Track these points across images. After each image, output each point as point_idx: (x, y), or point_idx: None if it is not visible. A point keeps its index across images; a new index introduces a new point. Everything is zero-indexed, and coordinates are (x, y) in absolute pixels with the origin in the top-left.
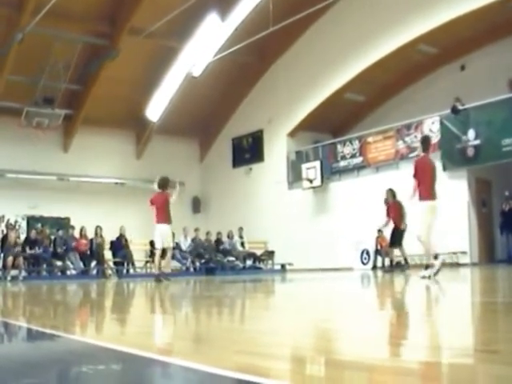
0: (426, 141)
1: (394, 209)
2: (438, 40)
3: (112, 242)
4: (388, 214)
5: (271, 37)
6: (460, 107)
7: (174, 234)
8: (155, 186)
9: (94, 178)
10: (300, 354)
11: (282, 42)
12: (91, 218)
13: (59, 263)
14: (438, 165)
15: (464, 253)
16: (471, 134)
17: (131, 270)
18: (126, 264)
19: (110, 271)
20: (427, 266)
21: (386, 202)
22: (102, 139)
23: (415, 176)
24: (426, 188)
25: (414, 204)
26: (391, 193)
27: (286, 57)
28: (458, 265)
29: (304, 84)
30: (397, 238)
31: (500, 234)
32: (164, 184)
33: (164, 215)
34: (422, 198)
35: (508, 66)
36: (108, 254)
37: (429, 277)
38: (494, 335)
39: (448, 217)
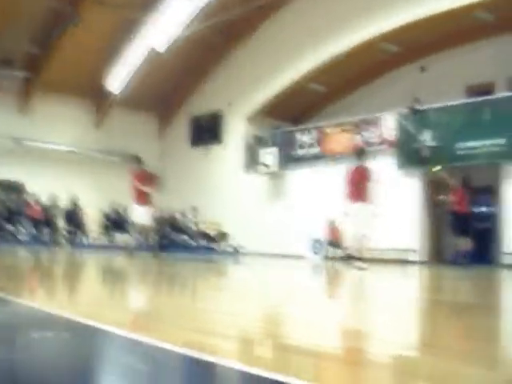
0: (360, 153)
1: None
2: (400, 39)
3: (66, 211)
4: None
5: (238, 19)
6: (418, 107)
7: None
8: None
9: (51, 144)
10: (247, 335)
11: (247, 26)
12: (46, 185)
13: (11, 227)
14: (394, 163)
15: (414, 251)
16: (427, 135)
17: (84, 240)
18: (78, 233)
19: (62, 239)
20: (360, 258)
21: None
22: (62, 106)
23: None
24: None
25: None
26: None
27: (250, 40)
28: (406, 262)
29: (267, 69)
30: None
31: (449, 235)
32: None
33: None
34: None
35: (466, 72)
36: (61, 222)
37: (364, 268)
38: (436, 331)
39: (400, 214)
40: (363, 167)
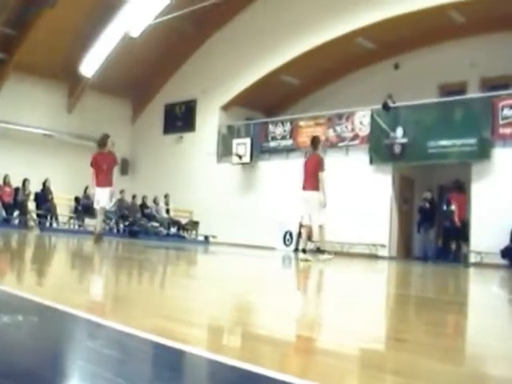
0: (314, 141)
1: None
2: (375, 36)
3: (36, 194)
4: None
5: (213, 8)
6: (391, 104)
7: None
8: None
9: (23, 126)
10: (216, 323)
11: (223, 15)
12: (16, 167)
13: None
14: (366, 158)
15: (383, 246)
16: (399, 131)
17: (54, 224)
18: (49, 217)
19: (32, 223)
20: (321, 250)
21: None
22: (34, 88)
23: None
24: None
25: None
26: None
27: (226, 30)
28: (376, 257)
29: (241, 60)
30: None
31: (417, 232)
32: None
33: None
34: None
35: (439, 71)
36: (32, 206)
37: (329, 259)
38: (404, 325)
39: (371, 209)
40: (317, 156)
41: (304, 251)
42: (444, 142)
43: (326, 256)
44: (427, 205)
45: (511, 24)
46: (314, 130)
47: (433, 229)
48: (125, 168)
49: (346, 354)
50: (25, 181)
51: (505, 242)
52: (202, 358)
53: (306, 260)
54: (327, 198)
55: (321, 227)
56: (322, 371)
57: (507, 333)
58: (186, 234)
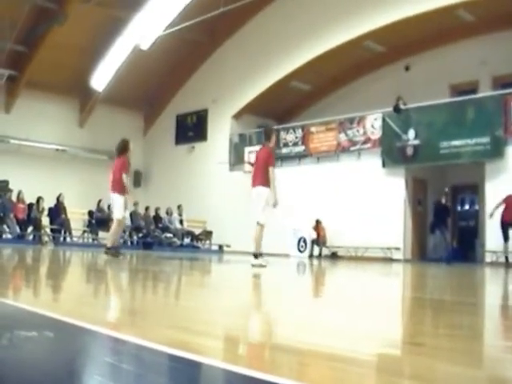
0: (267, 132)
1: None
2: (385, 39)
3: (50, 209)
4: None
5: (222, 17)
6: (402, 106)
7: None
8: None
9: (36, 142)
10: (232, 334)
11: (232, 24)
12: (30, 183)
13: None
14: (378, 161)
15: (398, 249)
16: (411, 133)
17: (68, 239)
18: (62, 232)
19: (46, 238)
20: (255, 254)
21: None
22: (46, 104)
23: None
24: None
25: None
26: None
27: (235, 39)
28: (391, 260)
29: (251, 68)
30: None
31: (430, 233)
32: (123, 147)
33: (114, 183)
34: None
35: (450, 71)
36: (45, 221)
37: (263, 265)
38: (421, 328)
39: (385, 213)
40: (268, 149)
41: (256, 255)
42: (456, 142)
43: (259, 261)
44: (443, 200)
45: None
46: (325, 136)
47: (447, 229)
48: (138, 180)
49: (362, 359)
50: (39, 198)
51: None
52: (218, 369)
53: (260, 266)
54: (278, 196)
55: (261, 227)
56: (339, 378)
57: None
58: (199, 244)
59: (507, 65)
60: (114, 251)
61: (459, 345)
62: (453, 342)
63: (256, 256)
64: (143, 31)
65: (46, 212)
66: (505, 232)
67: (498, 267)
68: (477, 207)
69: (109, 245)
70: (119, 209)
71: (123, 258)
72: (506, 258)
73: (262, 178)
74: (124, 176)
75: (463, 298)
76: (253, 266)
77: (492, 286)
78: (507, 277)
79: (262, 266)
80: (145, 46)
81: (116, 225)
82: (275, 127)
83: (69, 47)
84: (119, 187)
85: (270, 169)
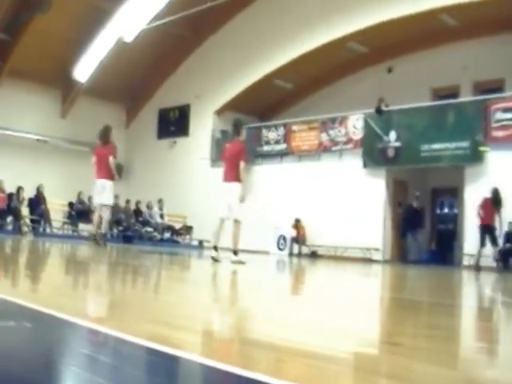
0: (236, 125)
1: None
2: (368, 40)
3: (30, 199)
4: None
5: (207, 12)
6: (384, 108)
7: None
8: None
9: (17, 131)
10: (211, 329)
11: (217, 19)
12: (10, 173)
13: None
14: (359, 162)
15: (377, 250)
16: (392, 135)
17: (48, 229)
18: (42, 223)
19: (26, 228)
20: (234, 251)
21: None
22: (28, 93)
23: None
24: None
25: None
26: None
27: (219, 34)
28: (370, 260)
29: (235, 64)
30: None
31: (402, 237)
32: (107, 133)
33: (103, 169)
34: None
35: (432, 74)
36: (25, 211)
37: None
38: (398, 328)
39: (365, 213)
40: (239, 143)
41: (215, 248)
42: (437, 146)
43: (239, 257)
44: (414, 204)
45: (503, 27)
46: (307, 135)
47: (418, 232)
48: (119, 173)
49: (339, 357)
50: (19, 188)
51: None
52: (196, 364)
53: (216, 260)
54: (245, 192)
55: (238, 223)
56: (316, 375)
57: (501, 336)
58: (180, 239)
59: (488, 71)
60: (104, 240)
61: (436, 345)
62: (430, 343)
63: (236, 253)
64: (127, 23)
65: (26, 202)
66: (483, 236)
67: (474, 271)
68: (456, 211)
69: (94, 232)
70: (111, 194)
71: (104, 247)
72: (477, 261)
73: (235, 173)
74: (113, 160)
75: (441, 300)
76: (232, 262)
77: (468, 289)
78: (481, 280)
79: (241, 262)
80: (129, 38)
81: (109, 212)
82: (257, 124)
83: (52, 37)
84: (110, 173)
85: (242, 164)
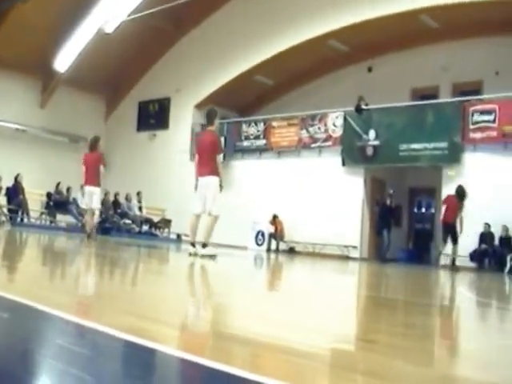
0: (210, 114)
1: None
2: (349, 39)
3: (8, 189)
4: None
5: (188, 6)
6: (364, 107)
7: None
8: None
9: None
10: (189, 323)
11: (198, 13)
12: None
13: None
14: (338, 159)
15: (355, 247)
16: (372, 134)
17: (25, 219)
18: (20, 212)
19: (3, 218)
20: (204, 244)
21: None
22: (7, 82)
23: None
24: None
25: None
26: None
27: (200, 28)
28: (347, 258)
29: (216, 59)
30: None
31: (377, 235)
32: (96, 142)
33: (91, 177)
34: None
35: (412, 74)
36: (2, 200)
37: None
38: (374, 326)
39: (343, 211)
40: (213, 133)
41: (193, 245)
42: (415, 146)
43: (208, 250)
44: (388, 202)
45: (483, 30)
46: (287, 131)
47: (392, 230)
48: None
49: (315, 353)
50: None
51: (473, 246)
52: (172, 357)
53: (195, 254)
54: (222, 184)
55: (214, 217)
56: (293, 371)
57: (475, 334)
58: (158, 232)
59: (467, 72)
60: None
61: (411, 343)
62: (405, 341)
63: (204, 246)
64: (108, 14)
65: (3, 192)
66: (445, 234)
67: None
68: (433, 210)
69: (89, 231)
70: (99, 199)
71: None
72: (453, 260)
73: (211, 166)
74: (103, 169)
75: (416, 299)
76: (202, 256)
77: (444, 289)
78: (456, 279)
79: (211, 256)
80: (109, 29)
81: (98, 215)
82: (237, 119)
83: (32, 26)
84: (98, 180)
85: (218, 157)
